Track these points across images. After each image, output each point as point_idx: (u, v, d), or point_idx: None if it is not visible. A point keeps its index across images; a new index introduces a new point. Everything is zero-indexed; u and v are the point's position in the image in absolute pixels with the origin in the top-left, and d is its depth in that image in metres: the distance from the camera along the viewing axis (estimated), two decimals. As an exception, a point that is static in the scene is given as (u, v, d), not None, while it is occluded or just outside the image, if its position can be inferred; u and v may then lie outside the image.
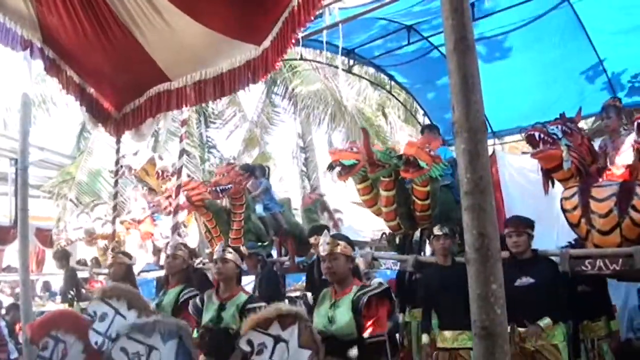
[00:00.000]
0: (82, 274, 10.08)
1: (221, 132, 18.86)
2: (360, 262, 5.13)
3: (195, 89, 5.34)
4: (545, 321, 5.11)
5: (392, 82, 9.85)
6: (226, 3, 4.53)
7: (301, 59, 9.18)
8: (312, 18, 3.70)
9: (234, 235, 7.93)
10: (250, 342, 3.58)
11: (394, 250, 7.09)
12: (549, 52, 8.00)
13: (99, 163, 15.55)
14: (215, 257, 4.82)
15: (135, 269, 7.31)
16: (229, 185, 7.53)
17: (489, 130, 9.56)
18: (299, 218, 9.31)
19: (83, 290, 9.88)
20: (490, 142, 9.93)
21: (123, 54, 5.43)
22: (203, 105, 17.13)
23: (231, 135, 18.58)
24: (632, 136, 5.28)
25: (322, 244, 3.98)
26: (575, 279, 5.87)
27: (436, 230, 6.04)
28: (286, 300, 7.28)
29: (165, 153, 15.12)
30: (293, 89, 16.07)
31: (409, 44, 8.04)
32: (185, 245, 5.74)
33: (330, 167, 6.49)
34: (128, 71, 5.87)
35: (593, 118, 9.01)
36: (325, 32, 5.60)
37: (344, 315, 3.78)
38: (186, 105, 5.76)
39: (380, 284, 3.99)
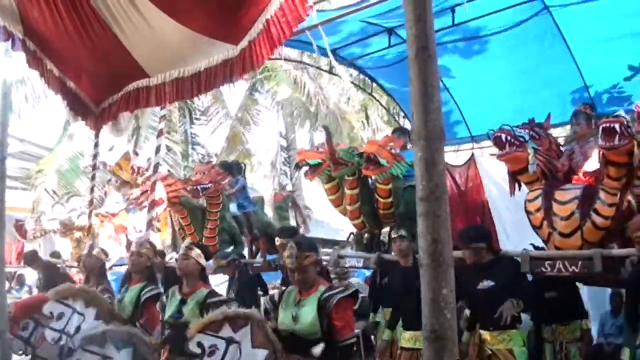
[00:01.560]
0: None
1: (206, 128, 18.97)
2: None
3: (173, 86, 5.39)
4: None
5: (374, 84, 9.91)
6: (204, 3, 4.58)
7: (282, 58, 9.20)
8: (296, 27, 3.72)
9: (208, 234, 7.98)
10: (200, 345, 3.63)
11: (361, 249, 7.19)
12: (529, 59, 8.07)
13: (77, 155, 15.47)
14: (178, 253, 4.91)
15: (109, 263, 7.34)
16: (210, 184, 7.58)
17: (468, 135, 9.66)
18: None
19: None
20: (468, 146, 10.05)
21: (103, 50, 5.46)
22: (188, 101, 17.21)
23: (215, 132, 18.64)
24: (598, 141, 5.37)
25: (289, 256, 3.96)
26: (542, 282, 6.00)
27: (393, 233, 6.16)
28: (262, 300, 7.31)
29: (147, 148, 15.08)
30: (274, 88, 16.12)
31: (389, 46, 8.10)
32: (150, 243, 5.77)
33: (297, 167, 6.60)
34: (107, 66, 5.90)
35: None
36: (308, 32, 5.62)
37: (308, 315, 3.83)
38: (164, 102, 5.78)
39: (348, 285, 4.07)
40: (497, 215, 8.78)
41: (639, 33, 7.15)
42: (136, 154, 11.08)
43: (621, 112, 5.34)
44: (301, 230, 8.67)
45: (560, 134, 10.77)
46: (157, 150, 6.47)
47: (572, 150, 6.36)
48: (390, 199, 6.66)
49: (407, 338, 5.77)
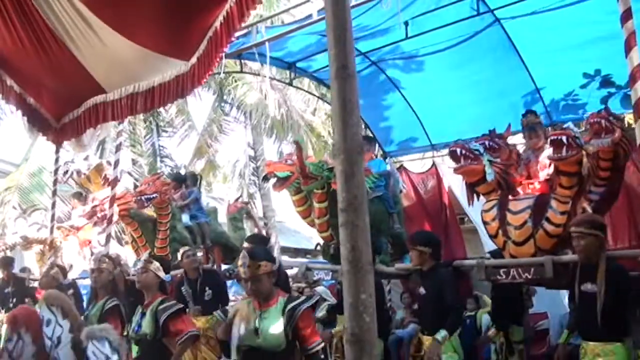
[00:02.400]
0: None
1: (174, 140, 18.95)
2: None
3: (128, 101, 5.50)
4: (442, 334, 5.32)
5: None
6: (156, 23, 4.71)
7: (242, 71, 9.29)
8: (233, 39, 3.86)
9: (160, 244, 8.05)
10: None
11: (329, 260, 7.27)
12: (483, 70, 8.27)
13: (41, 169, 15.35)
14: (137, 267, 4.95)
15: (73, 276, 7.34)
16: (154, 195, 7.63)
17: (428, 143, 9.85)
18: None
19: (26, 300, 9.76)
20: (429, 154, 10.25)
21: (61, 67, 5.56)
22: (154, 114, 17.21)
23: (182, 144, 18.64)
24: (548, 151, 5.57)
25: (242, 266, 3.93)
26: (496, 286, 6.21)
27: None
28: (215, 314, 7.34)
29: (112, 161, 15.00)
30: (240, 99, 16.19)
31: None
32: (109, 257, 5.80)
33: (265, 179, 6.64)
34: (66, 83, 5.99)
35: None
36: (267, 44, 5.75)
37: (273, 327, 3.78)
38: (121, 117, 5.88)
39: (313, 292, 4.09)
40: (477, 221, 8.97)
41: (591, 41, 7.34)
42: (109, 164, 11.05)
43: (570, 125, 5.59)
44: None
45: (519, 140, 11.07)
46: (116, 164, 6.52)
47: (529, 160, 6.55)
48: None
49: None
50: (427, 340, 5.63)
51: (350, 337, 1.96)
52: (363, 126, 10.73)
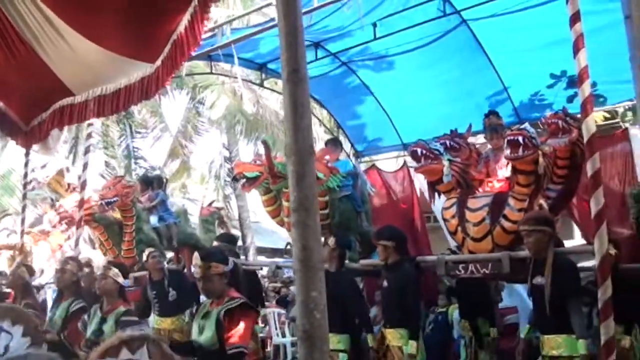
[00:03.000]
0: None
1: (149, 142, 18.87)
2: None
3: (96, 103, 5.49)
4: (412, 348, 5.60)
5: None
6: (122, 27, 4.71)
7: (212, 72, 9.30)
8: (199, 42, 3.89)
9: (126, 246, 8.10)
10: None
11: (299, 259, 7.33)
12: (450, 70, 8.39)
13: (10, 171, 15.20)
14: (97, 273, 5.00)
15: (45, 281, 7.31)
16: (115, 198, 7.67)
17: (400, 143, 9.93)
18: None
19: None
20: (401, 153, 10.34)
21: (28, 69, 5.55)
22: (127, 115, 17.14)
23: (156, 145, 18.57)
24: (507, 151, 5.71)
25: (194, 266, 4.09)
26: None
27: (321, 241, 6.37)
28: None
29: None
30: (213, 100, 16.17)
31: (316, 59, 8.30)
32: (73, 259, 5.83)
33: (235, 179, 6.68)
34: (34, 86, 5.97)
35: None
36: (233, 46, 5.79)
37: (210, 327, 3.92)
38: (87, 119, 5.88)
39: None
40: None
41: (558, 42, 7.41)
42: (68, 170, 11.05)
43: (526, 125, 5.76)
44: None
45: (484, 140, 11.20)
46: (85, 167, 6.50)
47: (488, 159, 6.72)
48: (326, 211, 6.85)
49: (333, 341, 5.97)
50: (389, 333, 5.79)
51: (302, 334, 2.02)
52: (335, 126, 10.84)
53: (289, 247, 7.53)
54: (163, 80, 4.32)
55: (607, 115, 7.78)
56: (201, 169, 21.19)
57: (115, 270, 5.08)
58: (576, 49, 3.37)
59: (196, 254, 4.17)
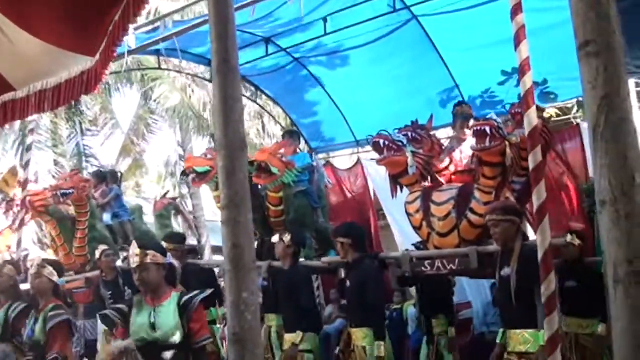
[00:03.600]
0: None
1: (99, 139, 18.46)
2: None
3: (36, 98, 5.29)
4: (380, 348, 5.42)
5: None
6: (60, 19, 4.55)
7: (159, 68, 9.11)
8: (127, 32, 3.78)
9: (78, 243, 7.83)
10: None
11: (253, 256, 7.21)
12: (402, 66, 8.37)
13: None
14: (30, 272, 4.86)
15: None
16: (70, 190, 7.41)
17: (353, 139, 9.89)
18: None
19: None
20: (352, 150, 10.31)
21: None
22: (77, 112, 16.74)
23: (107, 143, 18.18)
24: (471, 141, 5.59)
25: (131, 255, 4.00)
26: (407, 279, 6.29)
27: (273, 238, 6.26)
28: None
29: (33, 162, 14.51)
30: (163, 97, 15.90)
31: (266, 55, 8.20)
32: (9, 262, 5.63)
33: (184, 174, 6.51)
34: (-26, 82, 5.73)
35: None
36: (175, 39, 5.63)
37: (169, 321, 3.85)
38: (28, 114, 5.66)
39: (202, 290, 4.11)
40: (391, 216, 9.03)
41: (509, 39, 7.43)
42: (22, 167, 10.68)
43: (492, 115, 5.59)
44: (189, 236, 8.61)
45: (441, 135, 11.25)
46: (26, 165, 6.27)
47: (452, 149, 6.59)
48: (281, 207, 6.71)
49: (286, 340, 5.89)
50: (354, 333, 5.66)
51: (232, 337, 1.94)
52: (289, 123, 10.74)
53: None
54: (101, 73, 4.17)
55: (559, 112, 7.88)
56: (158, 168, 20.87)
57: (50, 268, 4.94)
58: (517, 41, 3.35)
59: (134, 242, 4.13)
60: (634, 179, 1.37)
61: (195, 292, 3.99)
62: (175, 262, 4.40)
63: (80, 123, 16.95)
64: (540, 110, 5.55)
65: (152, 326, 3.85)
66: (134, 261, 3.95)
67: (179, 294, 3.95)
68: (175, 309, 3.87)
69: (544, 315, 4.34)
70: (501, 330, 5.20)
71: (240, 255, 1.96)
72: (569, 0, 1.46)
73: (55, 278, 4.93)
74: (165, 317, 3.86)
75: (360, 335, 5.54)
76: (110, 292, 7.05)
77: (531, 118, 3.03)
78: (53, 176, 14.55)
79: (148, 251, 3.94)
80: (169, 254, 4.15)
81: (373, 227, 8.86)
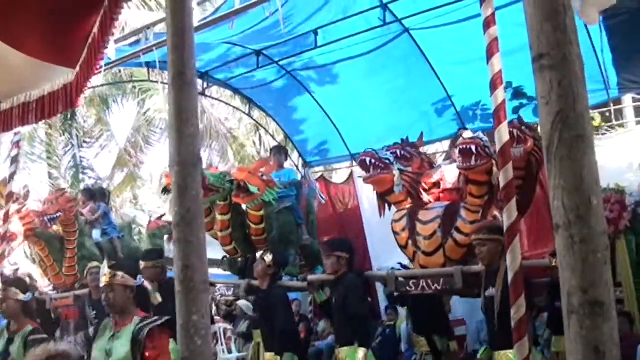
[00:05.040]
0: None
1: (95, 152, 18.33)
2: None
3: (20, 111, 5.24)
4: (361, 355, 5.36)
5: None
6: (40, 32, 4.50)
7: (149, 80, 9.04)
8: (107, 44, 3.71)
9: (68, 263, 7.79)
10: None
11: (235, 274, 7.15)
12: (395, 79, 8.31)
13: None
14: None
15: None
16: (58, 214, 7.38)
17: (348, 153, 9.81)
18: None
19: None
20: (347, 164, 10.23)
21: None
22: (72, 124, 16.69)
23: (102, 155, 18.06)
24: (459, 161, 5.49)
25: (101, 275, 3.93)
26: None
27: (257, 255, 6.21)
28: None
29: (25, 175, 14.51)
30: (156, 109, 15.87)
31: (257, 68, 8.15)
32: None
33: (165, 191, 6.43)
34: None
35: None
36: (155, 49, 5.57)
37: (123, 347, 3.67)
38: (14, 127, 5.60)
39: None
40: (369, 233, 8.97)
41: (501, 53, 7.43)
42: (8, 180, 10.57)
43: (479, 133, 5.54)
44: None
45: (436, 149, 11.18)
46: (11, 177, 6.17)
47: (439, 166, 6.52)
48: (262, 225, 6.66)
49: (267, 359, 5.82)
50: (342, 352, 5.57)
51: (182, 362, 1.83)
52: (284, 137, 10.67)
53: (225, 259, 7.27)
54: (82, 87, 4.10)
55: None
56: (158, 179, 20.71)
57: (13, 289, 4.91)
58: (490, 54, 3.26)
59: (105, 262, 4.09)
60: (591, 202, 1.27)
61: (153, 318, 3.80)
62: (147, 284, 4.26)
63: (77, 136, 16.88)
64: (532, 129, 5.51)
65: (107, 353, 3.70)
66: (102, 281, 3.87)
67: (140, 319, 3.76)
68: (130, 336, 3.68)
69: (531, 337, 4.27)
70: (484, 347, 5.33)
71: (191, 276, 1.86)
72: (525, 11, 1.38)
73: (20, 297, 4.89)
74: (120, 344, 3.69)
75: (349, 354, 5.49)
76: (95, 313, 6.94)
77: (502, 135, 2.94)
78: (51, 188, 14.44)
79: (118, 272, 3.85)
80: (139, 276, 4.02)
81: (362, 244, 8.77)
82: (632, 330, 6.36)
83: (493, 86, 3.04)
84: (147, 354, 3.61)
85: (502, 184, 2.89)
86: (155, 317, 3.80)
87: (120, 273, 3.85)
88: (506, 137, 2.92)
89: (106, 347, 3.72)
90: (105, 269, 3.88)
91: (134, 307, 3.87)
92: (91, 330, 6.58)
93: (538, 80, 1.33)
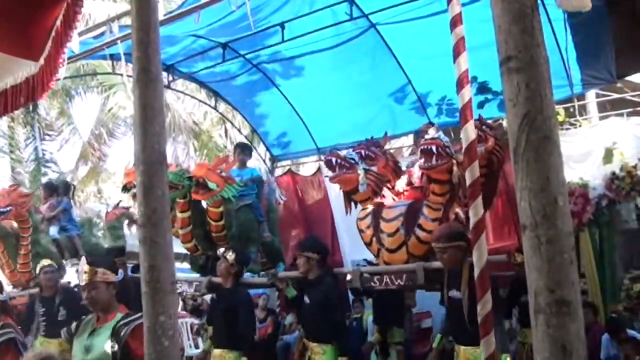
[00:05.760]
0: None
1: (57, 145, 17.98)
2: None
3: (-19, 105, 5.13)
4: None
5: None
6: (1, 23, 4.40)
7: (114, 72, 8.88)
8: (70, 37, 3.64)
9: (22, 260, 7.64)
10: None
11: (197, 271, 7.13)
12: (362, 73, 8.31)
13: None
14: None
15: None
16: (8, 208, 7.21)
17: (315, 147, 9.81)
18: None
19: None
20: (314, 158, 10.23)
21: None
22: (35, 117, 16.35)
23: (66, 148, 17.73)
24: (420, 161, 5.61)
25: (80, 272, 3.83)
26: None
27: (218, 253, 6.21)
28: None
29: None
30: (119, 103, 15.66)
31: (223, 61, 8.08)
32: None
33: (125, 189, 6.33)
34: None
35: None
36: (119, 42, 5.47)
37: (102, 344, 3.63)
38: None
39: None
40: (339, 225, 9.02)
41: (468, 49, 7.50)
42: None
43: (440, 134, 5.64)
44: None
45: (401, 144, 11.25)
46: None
47: (412, 166, 6.60)
48: (222, 222, 6.65)
49: (216, 355, 5.84)
50: (312, 347, 5.66)
51: (149, 364, 1.81)
52: (250, 130, 10.61)
53: (188, 257, 7.24)
54: (48, 80, 4.02)
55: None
56: (122, 173, 20.43)
57: None
58: (457, 53, 3.29)
59: (83, 259, 3.94)
60: (557, 203, 1.29)
61: (136, 315, 3.69)
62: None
63: (39, 128, 16.54)
64: (493, 128, 5.62)
65: (87, 349, 3.65)
66: (83, 279, 3.76)
67: (121, 316, 3.72)
68: (110, 332, 3.65)
69: (504, 337, 4.42)
70: (439, 335, 5.63)
71: (157, 277, 1.85)
72: (492, 12, 1.38)
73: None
74: (100, 341, 3.65)
75: (319, 351, 5.60)
76: (44, 310, 6.81)
77: (468, 133, 2.97)
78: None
79: (98, 269, 3.77)
80: (120, 270, 3.97)
81: (331, 237, 8.81)
82: (596, 320, 6.54)
83: (460, 85, 3.07)
84: (127, 352, 3.56)
85: (468, 182, 2.92)
86: (139, 314, 3.73)
87: (100, 269, 3.77)
88: (473, 136, 2.95)
89: (85, 343, 3.67)
90: (84, 267, 3.77)
91: (116, 303, 3.82)
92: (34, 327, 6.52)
93: (505, 82, 1.34)
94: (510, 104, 1.34)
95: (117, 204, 9.06)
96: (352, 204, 6.34)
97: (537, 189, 1.29)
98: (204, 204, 6.65)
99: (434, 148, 5.32)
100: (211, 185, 6.16)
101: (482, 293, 2.82)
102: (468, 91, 3.08)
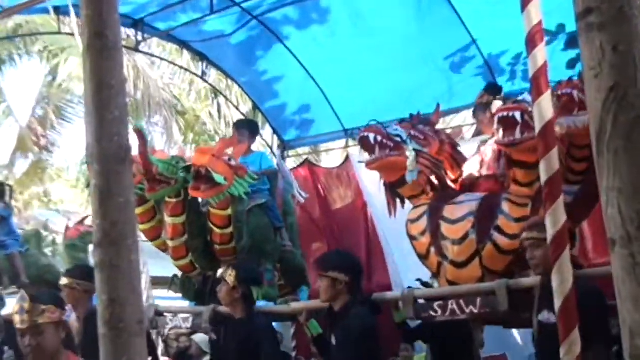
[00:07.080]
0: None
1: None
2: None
3: None
4: None
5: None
6: None
7: (60, 32, 8.92)
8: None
9: None
10: None
11: (190, 299, 7.07)
12: (405, 27, 8.34)
13: None
14: None
15: None
16: None
17: (341, 129, 9.82)
18: None
19: None
20: (342, 142, 10.25)
21: None
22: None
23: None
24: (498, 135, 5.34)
25: (18, 312, 3.75)
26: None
27: (218, 274, 6.12)
28: None
29: None
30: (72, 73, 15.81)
31: (212, 13, 8.10)
32: None
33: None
34: None
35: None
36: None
37: None
38: None
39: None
40: (383, 237, 8.93)
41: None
42: None
43: (525, 96, 5.40)
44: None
45: (461, 121, 11.22)
46: None
47: (482, 152, 6.43)
48: (230, 229, 6.52)
49: None
50: None
51: None
52: (252, 107, 10.67)
53: (175, 279, 7.20)
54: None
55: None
56: (76, 167, 20.62)
57: None
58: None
59: (22, 293, 3.87)
60: (657, 209, 1.29)
61: None
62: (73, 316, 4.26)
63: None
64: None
65: None
66: (22, 321, 3.71)
67: None
68: None
69: None
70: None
71: (119, 315, 1.89)
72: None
73: None
74: None
75: None
76: None
77: (543, 109, 2.93)
78: None
79: (44, 307, 3.74)
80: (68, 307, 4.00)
81: (375, 250, 8.77)
82: None
83: (531, 43, 3.01)
84: None
85: (543, 178, 2.89)
86: None
87: (47, 307, 3.75)
88: (549, 114, 2.91)
89: None
90: (25, 303, 3.73)
91: (64, 350, 3.84)
92: None
93: (584, 44, 1.35)
94: (591, 74, 1.35)
95: (83, 220, 9.17)
96: (399, 201, 6.13)
97: (629, 190, 1.29)
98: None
99: (517, 115, 4.99)
100: (217, 178, 5.98)
101: (565, 333, 2.81)
102: (542, 52, 3.03)
